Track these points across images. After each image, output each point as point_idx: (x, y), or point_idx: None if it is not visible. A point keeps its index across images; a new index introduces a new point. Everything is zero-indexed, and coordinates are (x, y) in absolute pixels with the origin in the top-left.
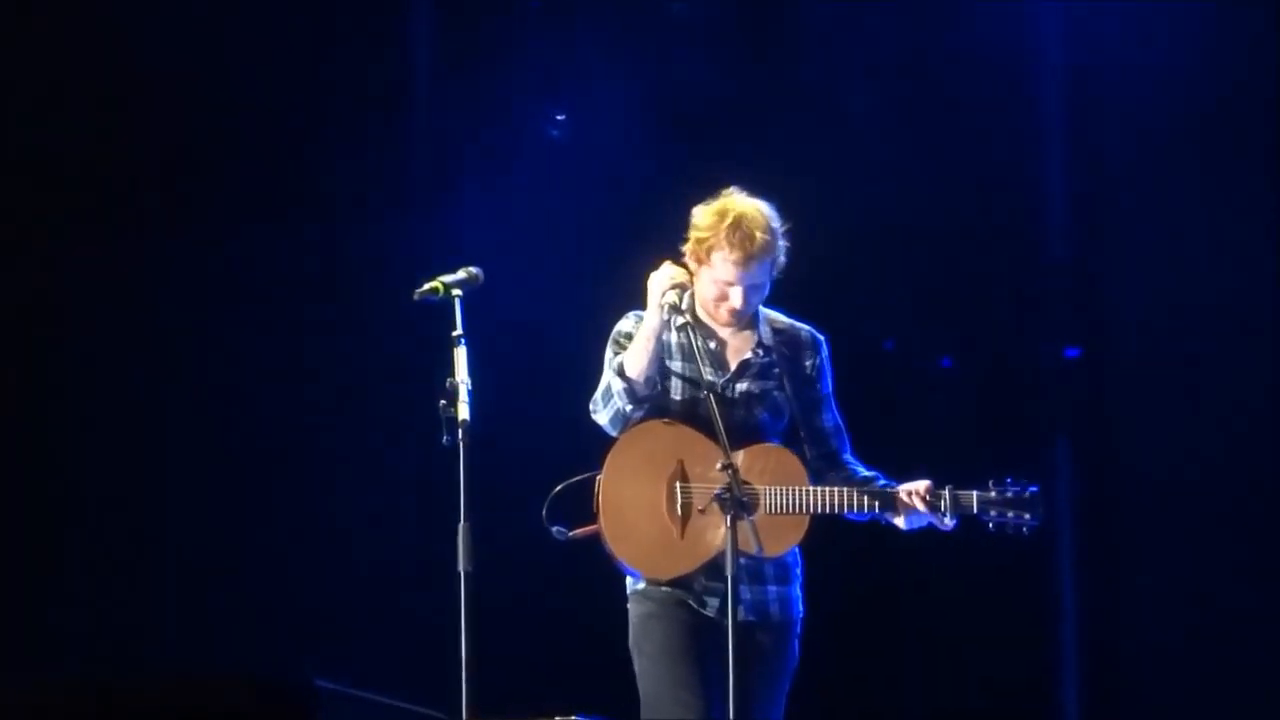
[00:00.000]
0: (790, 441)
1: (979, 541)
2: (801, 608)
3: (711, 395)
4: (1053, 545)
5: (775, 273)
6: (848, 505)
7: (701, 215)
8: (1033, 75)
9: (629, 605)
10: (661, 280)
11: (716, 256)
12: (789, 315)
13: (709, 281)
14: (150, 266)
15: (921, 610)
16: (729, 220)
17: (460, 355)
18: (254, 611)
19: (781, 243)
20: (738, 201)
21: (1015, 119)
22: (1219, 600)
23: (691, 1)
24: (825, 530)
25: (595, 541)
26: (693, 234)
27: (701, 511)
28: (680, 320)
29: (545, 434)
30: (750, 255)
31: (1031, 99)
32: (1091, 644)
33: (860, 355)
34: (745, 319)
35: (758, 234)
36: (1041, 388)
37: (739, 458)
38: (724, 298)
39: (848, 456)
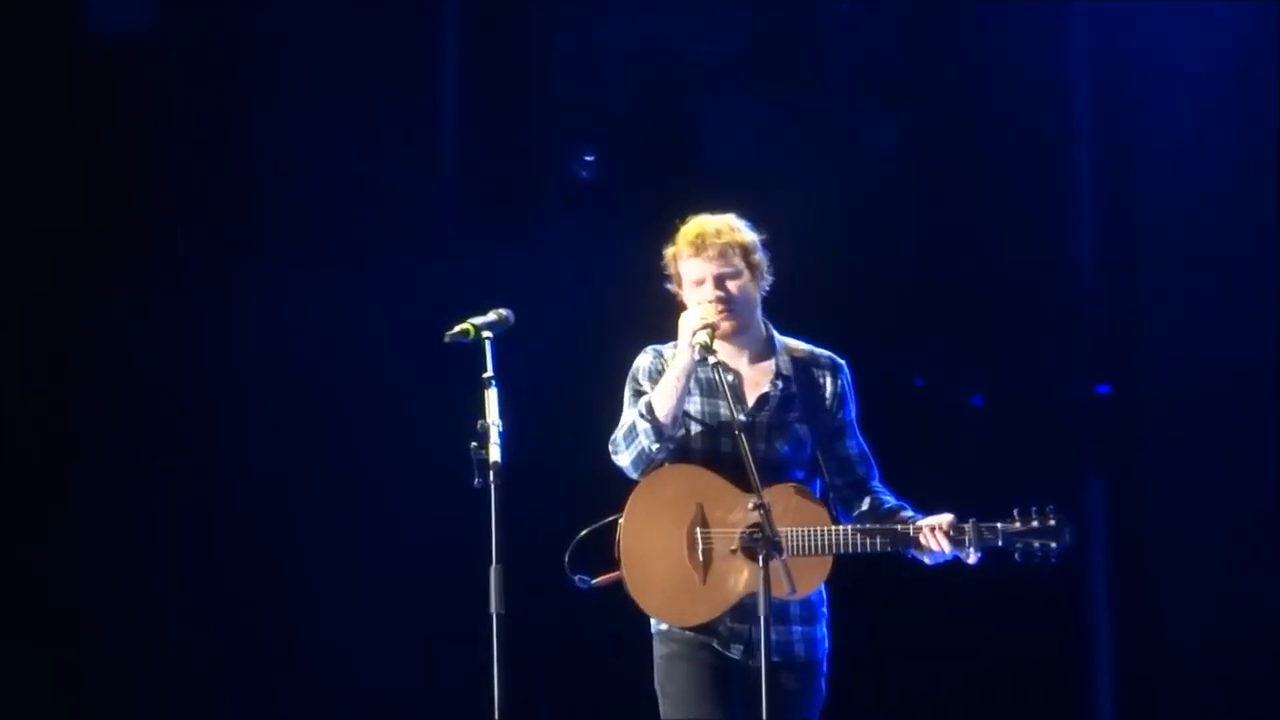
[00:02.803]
0: (814, 473)
1: (1011, 579)
2: (828, 644)
3: (742, 434)
4: (1086, 582)
5: (758, 274)
6: (869, 545)
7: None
8: (1063, 110)
9: (653, 645)
10: (693, 321)
11: (682, 264)
12: (808, 341)
13: (689, 291)
14: (173, 307)
15: (952, 648)
16: (682, 230)
17: (491, 397)
18: (282, 655)
19: (750, 237)
20: (693, 217)
21: (1046, 155)
22: (1255, 640)
23: (716, 43)
24: (853, 562)
25: (619, 587)
26: (667, 266)
27: (733, 551)
28: (713, 360)
29: (577, 474)
30: (705, 243)
31: (1062, 134)
32: (1126, 681)
33: (891, 392)
34: (741, 316)
35: (709, 227)
36: (1073, 425)
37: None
38: (705, 298)
39: (876, 484)
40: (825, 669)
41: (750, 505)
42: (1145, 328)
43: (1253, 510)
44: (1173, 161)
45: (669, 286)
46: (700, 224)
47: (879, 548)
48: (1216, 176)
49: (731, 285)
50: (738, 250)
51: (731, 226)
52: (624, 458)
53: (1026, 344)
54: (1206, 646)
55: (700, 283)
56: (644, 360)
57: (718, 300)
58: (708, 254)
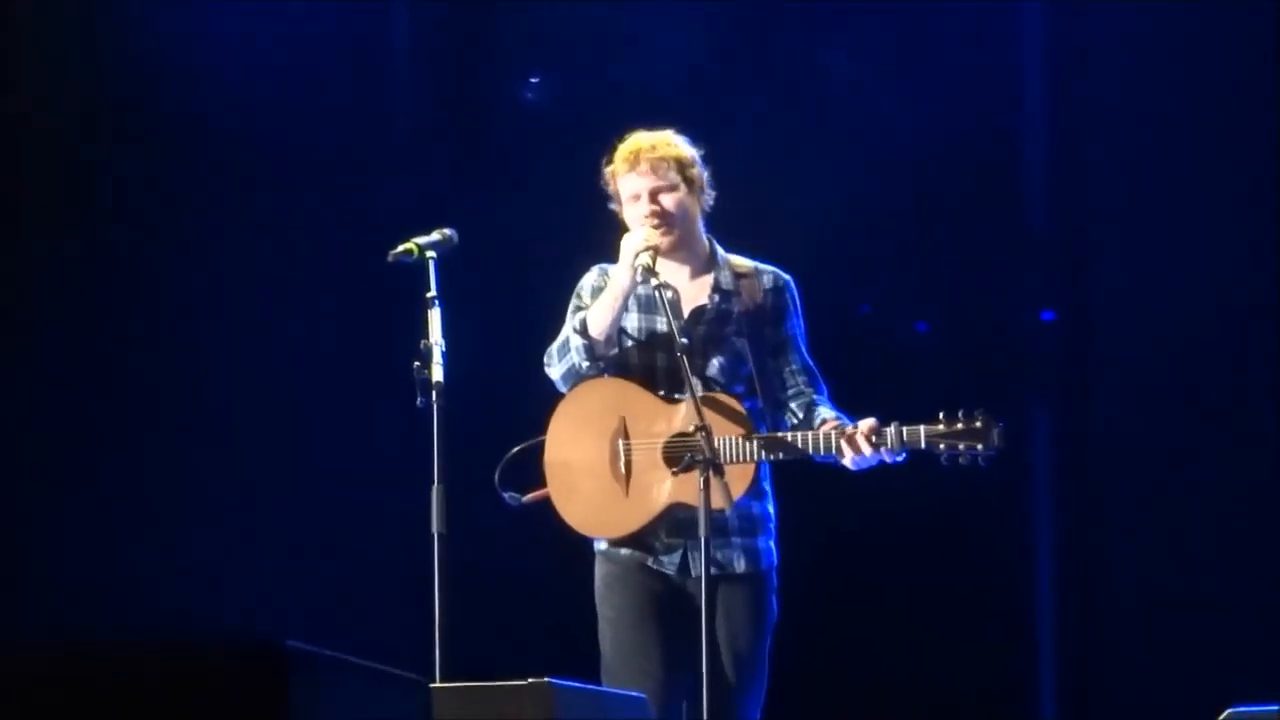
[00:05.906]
0: (753, 390)
1: (961, 503)
2: (775, 558)
3: (684, 355)
4: (1030, 508)
5: (696, 188)
6: (786, 452)
7: None
8: (1014, 37)
9: (595, 565)
10: (635, 242)
11: (620, 181)
12: (755, 258)
13: (627, 208)
14: (120, 226)
15: (899, 571)
16: (618, 146)
17: (434, 317)
18: (226, 575)
19: (687, 152)
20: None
21: (996, 82)
22: (1199, 568)
23: None
24: (801, 482)
25: (549, 505)
26: (606, 184)
27: (655, 462)
28: (654, 282)
29: (520, 395)
30: (640, 158)
31: (1013, 62)
32: (1069, 606)
33: (836, 319)
34: (680, 231)
35: (644, 142)
36: (1018, 352)
37: (682, 409)
38: (641, 213)
39: (819, 398)
40: (774, 583)
41: (693, 427)
42: (1095, 255)
43: (1201, 439)
44: (1127, 87)
45: (611, 206)
46: (636, 139)
47: (798, 453)
48: (1171, 105)
49: (667, 200)
50: (673, 164)
51: (668, 141)
52: (555, 370)
53: (972, 271)
54: (1150, 574)
55: (636, 198)
56: (589, 278)
57: (653, 215)
58: (641, 169)
